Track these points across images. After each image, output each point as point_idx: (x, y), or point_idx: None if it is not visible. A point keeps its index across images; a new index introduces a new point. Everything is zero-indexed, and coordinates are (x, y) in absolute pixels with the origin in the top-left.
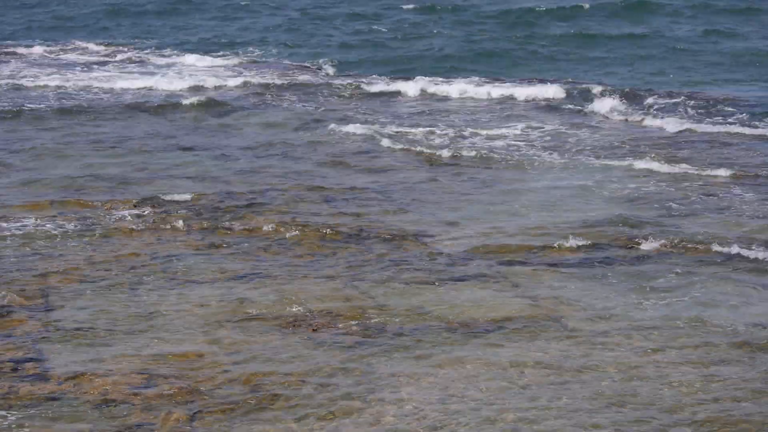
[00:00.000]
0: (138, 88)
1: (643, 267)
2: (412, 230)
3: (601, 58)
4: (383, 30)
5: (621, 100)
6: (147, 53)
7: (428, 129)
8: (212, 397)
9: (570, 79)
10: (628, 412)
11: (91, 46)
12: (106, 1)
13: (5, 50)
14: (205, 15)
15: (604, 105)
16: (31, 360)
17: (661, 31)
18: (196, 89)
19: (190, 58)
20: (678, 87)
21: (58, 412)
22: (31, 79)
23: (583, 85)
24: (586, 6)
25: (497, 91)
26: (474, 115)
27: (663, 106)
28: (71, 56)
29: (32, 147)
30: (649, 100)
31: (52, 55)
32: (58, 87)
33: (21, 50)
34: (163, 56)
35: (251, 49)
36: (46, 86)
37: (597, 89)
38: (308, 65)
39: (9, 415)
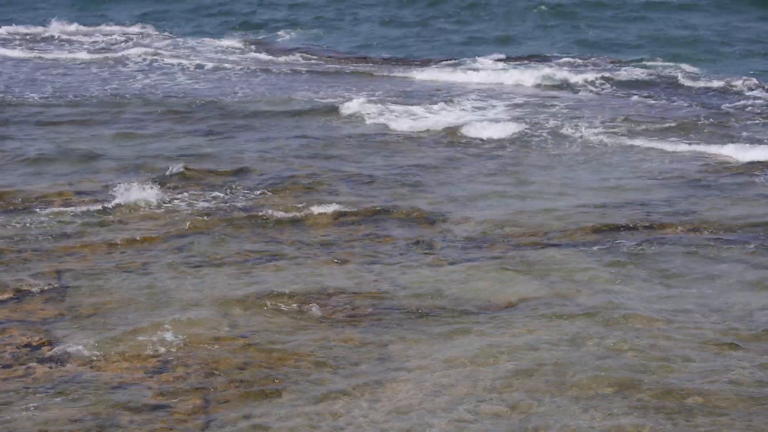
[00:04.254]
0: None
1: (661, 251)
2: (428, 211)
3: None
4: None
5: (639, 79)
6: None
7: (444, 110)
8: (228, 380)
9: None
10: (643, 397)
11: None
12: None
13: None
14: None
15: (619, 85)
16: (47, 343)
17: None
18: None
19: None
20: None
21: (75, 395)
22: None
23: (598, 65)
24: None
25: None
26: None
27: (682, 85)
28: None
29: None
30: (668, 80)
31: None
32: None
33: None
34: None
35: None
36: None
37: (615, 69)
38: None
39: (26, 397)
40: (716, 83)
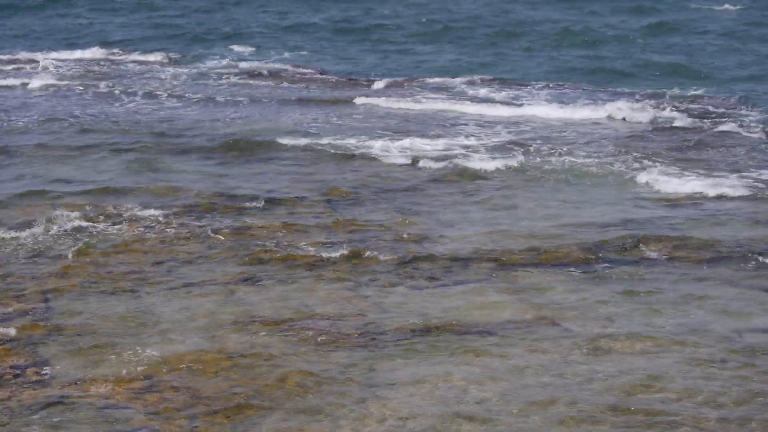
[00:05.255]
0: None
1: (645, 272)
2: (414, 234)
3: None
4: None
5: (625, 102)
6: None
7: (431, 135)
8: (213, 401)
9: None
10: (628, 418)
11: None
12: None
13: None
14: None
15: (603, 109)
16: (32, 365)
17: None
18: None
19: None
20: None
21: (60, 417)
22: None
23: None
24: None
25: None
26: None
27: (668, 107)
28: None
29: None
30: (653, 103)
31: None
32: None
33: None
34: None
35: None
36: None
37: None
38: None
39: (13, 420)
40: (711, 108)
